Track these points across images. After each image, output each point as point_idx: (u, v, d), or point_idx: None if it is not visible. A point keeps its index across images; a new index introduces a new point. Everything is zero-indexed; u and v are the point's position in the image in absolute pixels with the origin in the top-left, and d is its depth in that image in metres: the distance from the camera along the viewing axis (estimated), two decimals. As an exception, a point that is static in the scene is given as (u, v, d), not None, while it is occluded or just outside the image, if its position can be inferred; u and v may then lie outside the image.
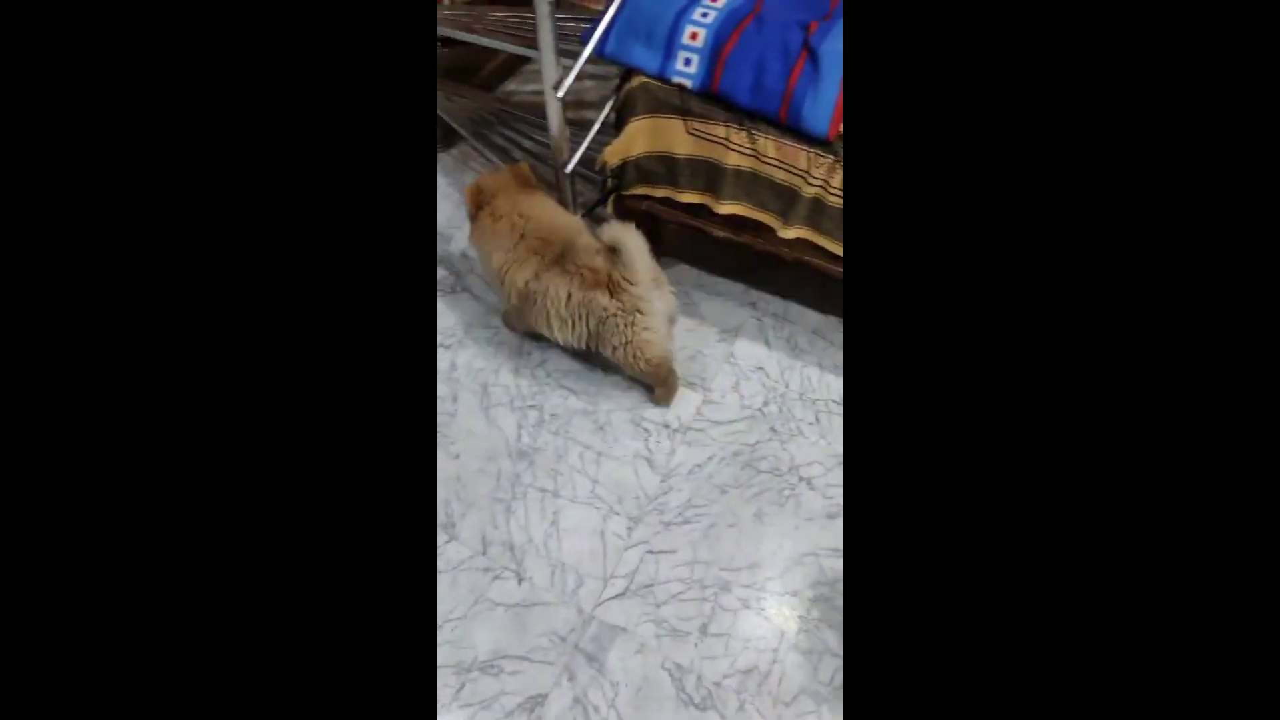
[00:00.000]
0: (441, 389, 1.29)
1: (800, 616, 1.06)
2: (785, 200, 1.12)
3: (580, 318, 1.14)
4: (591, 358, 1.31)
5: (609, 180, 1.23)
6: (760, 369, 1.31)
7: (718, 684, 1.01)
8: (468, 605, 1.08)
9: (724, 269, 1.43)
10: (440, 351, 1.35)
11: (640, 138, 1.15)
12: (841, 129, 1.04)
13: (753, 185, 1.13)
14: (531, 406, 1.27)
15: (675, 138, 1.13)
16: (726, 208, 1.17)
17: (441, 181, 1.63)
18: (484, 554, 1.12)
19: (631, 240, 1.06)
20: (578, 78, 1.10)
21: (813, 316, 1.37)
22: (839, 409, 1.25)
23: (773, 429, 1.23)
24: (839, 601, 1.07)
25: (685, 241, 1.40)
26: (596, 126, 1.22)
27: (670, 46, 1.10)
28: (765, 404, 1.26)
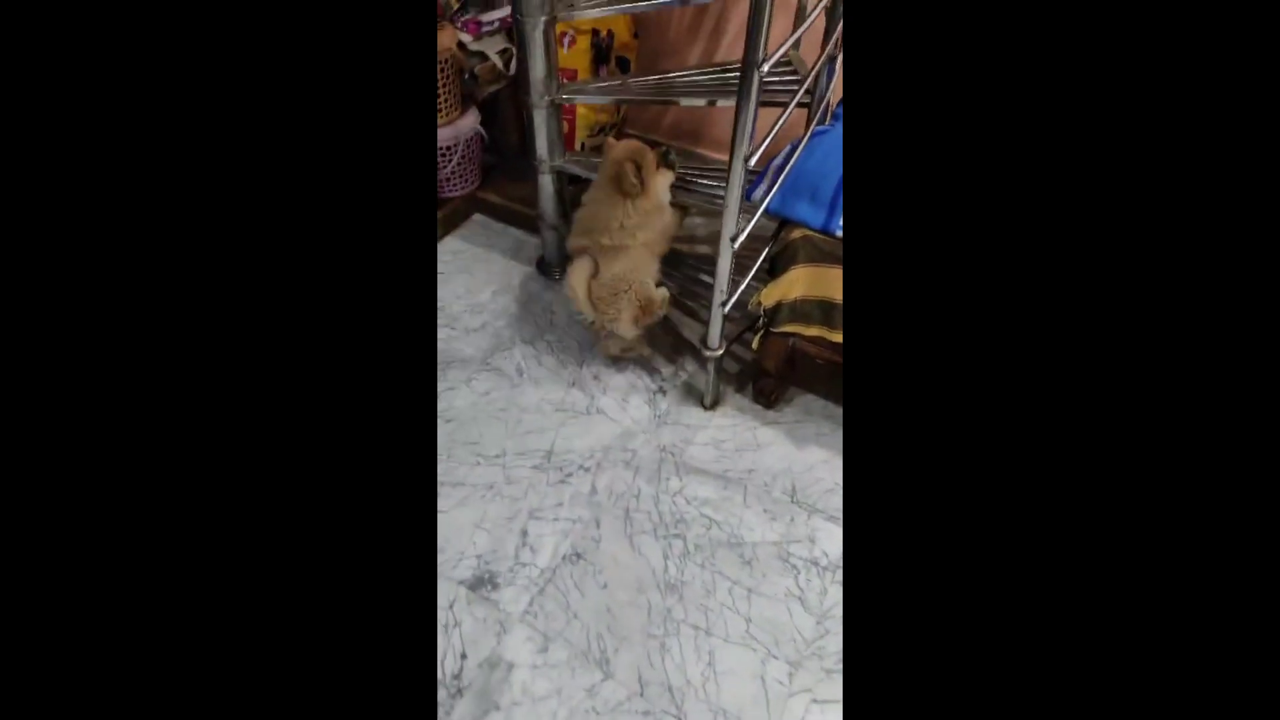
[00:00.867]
0: (584, 513, 1.30)
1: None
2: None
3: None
4: (731, 486, 1.33)
5: (762, 318, 1.29)
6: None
7: None
8: (627, 752, 1.03)
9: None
10: (581, 474, 1.37)
11: (800, 283, 1.22)
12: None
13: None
14: (675, 535, 1.27)
15: (836, 285, 1.19)
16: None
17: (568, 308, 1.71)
18: (642, 695, 1.09)
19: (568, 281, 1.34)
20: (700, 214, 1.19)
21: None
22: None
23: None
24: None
25: (818, 373, 1.44)
26: (753, 271, 1.30)
27: (834, 204, 1.18)
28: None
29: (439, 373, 1.56)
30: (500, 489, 1.35)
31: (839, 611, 1.17)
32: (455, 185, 1.92)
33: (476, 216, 1.98)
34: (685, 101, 1.44)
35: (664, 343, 1.62)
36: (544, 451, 1.41)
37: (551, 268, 1.80)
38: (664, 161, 1.35)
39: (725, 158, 2.00)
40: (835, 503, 1.31)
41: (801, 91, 1.14)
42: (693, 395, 1.51)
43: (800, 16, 1.52)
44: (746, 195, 1.23)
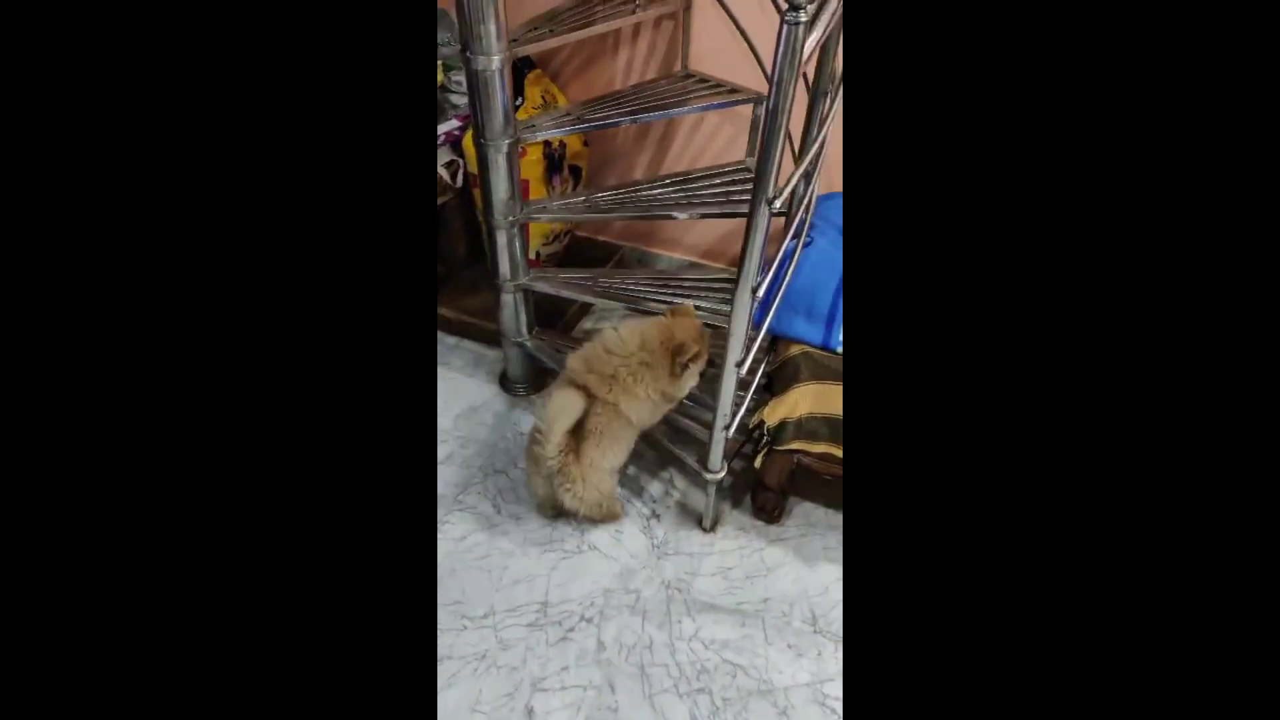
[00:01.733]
0: (594, 675, 1.16)
1: None
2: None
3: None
4: (748, 622, 1.22)
5: (765, 436, 1.23)
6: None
7: None
8: None
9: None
10: (583, 627, 1.23)
11: (805, 401, 1.17)
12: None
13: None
14: (700, 690, 1.15)
15: (841, 402, 1.15)
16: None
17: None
18: None
19: (549, 408, 1.16)
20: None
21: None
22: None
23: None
24: None
25: (814, 482, 1.38)
26: (752, 390, 1.24)
27: (831, 320, 1.16)
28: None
29: (406, 520, 1.39)
30: (494, 658, 1.18)
31: (890, 759, 1.07)
32: (403, 303, 1.79)
33: (427, 333, 1.86)
34: (680, 214, 1.40)
35: (649, 458, 1.52)
36: (538, 604, 1.26)
37: (515, 384, 1.69)
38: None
39: (675, 255, 2.00)
40: (860, 627, 1.23)
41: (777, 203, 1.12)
42: (689, 516, 1.42)
43: (754, 129, 1.55)
44: (755, 323, 1.19)
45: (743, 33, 1.51)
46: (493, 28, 1.12)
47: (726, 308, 1.07)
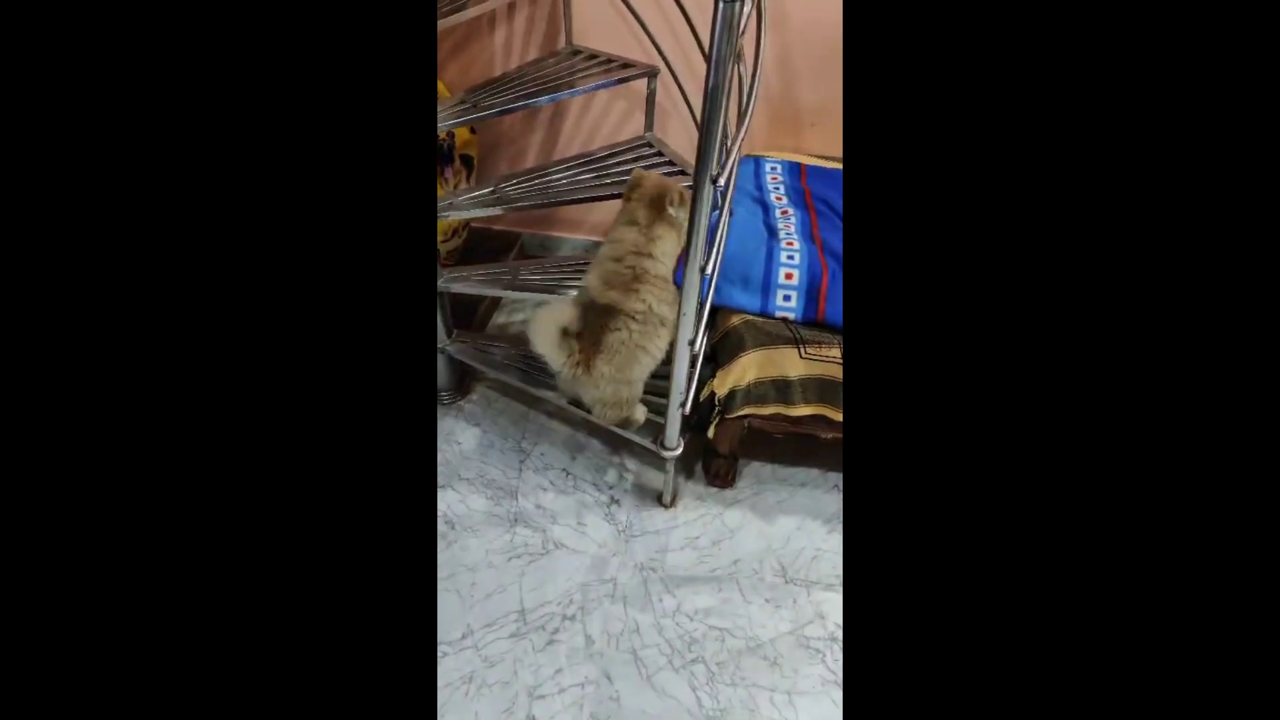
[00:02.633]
0: (589, 670, 1.16)
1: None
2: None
3: None
4: (724, 586, 1.27)
5: (717, 406, 1.26)
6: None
7: None
8: None
9: (794, 458, 1.49)
10: (568, 625, 1.21)
11: (752, 368, 1.21)
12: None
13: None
14: (695, 661, 1.18)
15: (789, 363, 1.20)
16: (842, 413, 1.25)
17: (473, 431, 1.54)
18: None
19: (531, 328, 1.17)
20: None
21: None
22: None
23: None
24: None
25: (756, 441, 1.43)
26: (699, 365, 1.26)
27: (768, 288, 1.20)
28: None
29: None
30: (482, 677, 1.14)
31: (875, 681, 1.17)
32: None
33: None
34: (605, 197, 1.36)
35: (594, 448, 1.52)
36: (515, 613, 1.23)
37: (441, 393, 1.61)
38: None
39: (577, 236, 1.97)
40: (824, 570, 1.32)
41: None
42: (647, 495, 1.43)
43: (650, 103, 1.54)
44: (676, 280, 1.20)
45: (629, 6, 1.48)
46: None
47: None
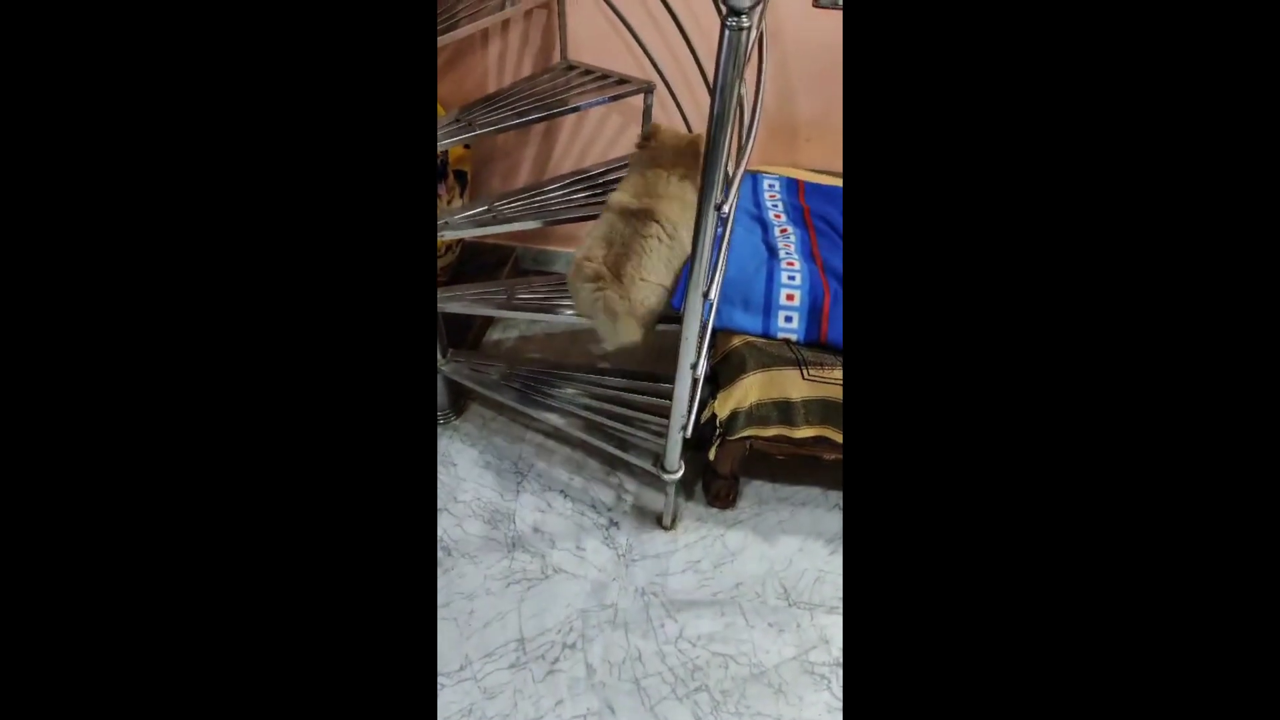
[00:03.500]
0: (591, 701, 1.13)
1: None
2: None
3: None
4: (727, 610, 1.25)
5: (718, 428, 1.24)
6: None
7: None
8: None
9: (795, 477, 1.48)
10: (568, 653, 1.19)
11: (754, 389, 1.19)
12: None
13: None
14: (698, 689, 1.16)
15: (791, 385, 1.18)
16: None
17: (469, 452, 1.51)
18: None
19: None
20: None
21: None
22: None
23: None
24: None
25: (755, 460, 1.42)
26: (700, 387, 1.25)
27: (769, 309, 1.18)
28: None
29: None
30: (481, 710, 1.12)
31: (881, 708, 1.15)
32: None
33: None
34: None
35: (592, 468, 1.49)
36: (514, 642, 1.21)
37: (437, 413, 1.58)
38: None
39: (573, 251, 1.95)
40: (827, 593, 1.30)
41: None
42: (646, 518, 1.41)
43: (647, 118, 1.53)
44: (674, 305, 1.18)
45: (625, 22, 1.47)
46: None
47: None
